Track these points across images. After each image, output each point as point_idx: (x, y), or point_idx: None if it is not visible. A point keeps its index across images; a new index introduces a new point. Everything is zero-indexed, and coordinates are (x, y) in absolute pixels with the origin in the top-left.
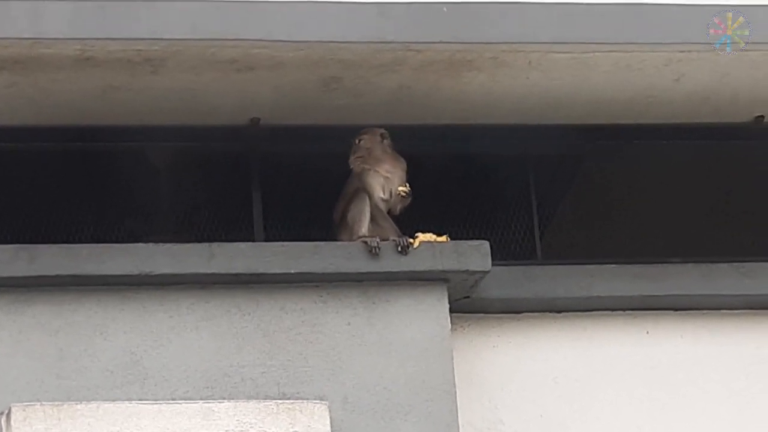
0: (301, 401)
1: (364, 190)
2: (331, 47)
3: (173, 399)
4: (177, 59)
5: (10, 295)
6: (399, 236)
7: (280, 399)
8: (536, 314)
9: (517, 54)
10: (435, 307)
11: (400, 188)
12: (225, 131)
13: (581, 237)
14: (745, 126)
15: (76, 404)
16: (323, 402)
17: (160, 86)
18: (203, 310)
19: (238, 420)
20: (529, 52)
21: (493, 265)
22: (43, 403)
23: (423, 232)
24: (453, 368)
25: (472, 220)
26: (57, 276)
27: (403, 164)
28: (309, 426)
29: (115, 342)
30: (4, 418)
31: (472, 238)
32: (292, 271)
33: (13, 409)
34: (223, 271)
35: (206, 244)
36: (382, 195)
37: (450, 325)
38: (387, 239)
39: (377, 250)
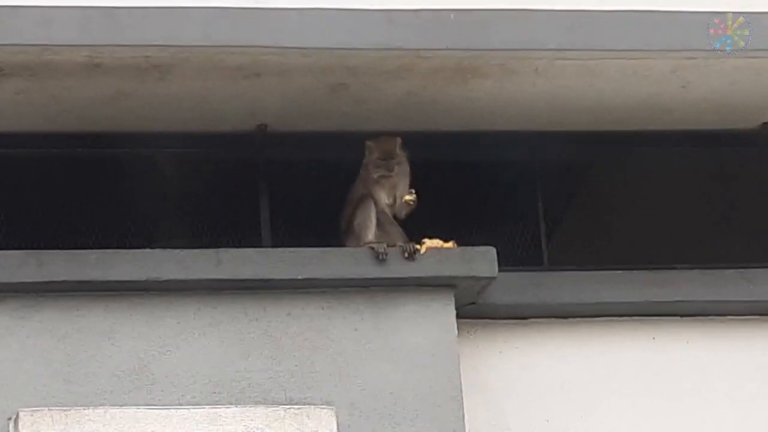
0: (308, 407)
1: (370, 196)
2: (338, 54)
3: (181, 404)
4: (185, 66)
5: (18, 301)
6: (406, 242)
7: (287, 404)
8: (543, 320)
9: (524, 61)
10: (442, 313)
11: (407, 198)
12: (233, 137)
13: (588, 243)
14: (752, 133)
15: (84, 409)
16: (330, 407)
17: (168, 93)
18: (210, 315)
19: (245, 425)
20: (536, 59)
21: (499, 271)
22: (51, 408)
23: (430, 238)
24: (459, 374)
25: (479, 226)
26: (65, 282)
27: (407, 169)
28: (316, 431)
29: (122, 347)
30: (12, 423)
31: (478, 244)
32: (300, 277)
33: (21, 414)
34: (230, 277)
35: (214, 250)
36: (387, 201)
37: (457, 331)
38: (394, 245)
39: (384, 256)
